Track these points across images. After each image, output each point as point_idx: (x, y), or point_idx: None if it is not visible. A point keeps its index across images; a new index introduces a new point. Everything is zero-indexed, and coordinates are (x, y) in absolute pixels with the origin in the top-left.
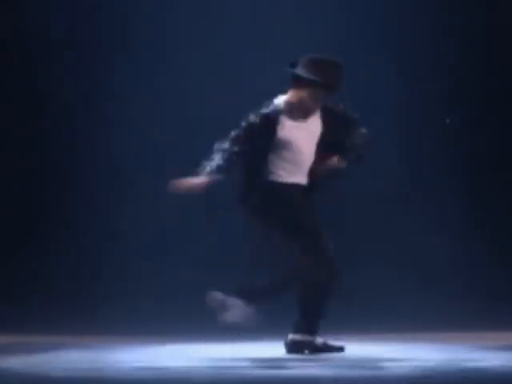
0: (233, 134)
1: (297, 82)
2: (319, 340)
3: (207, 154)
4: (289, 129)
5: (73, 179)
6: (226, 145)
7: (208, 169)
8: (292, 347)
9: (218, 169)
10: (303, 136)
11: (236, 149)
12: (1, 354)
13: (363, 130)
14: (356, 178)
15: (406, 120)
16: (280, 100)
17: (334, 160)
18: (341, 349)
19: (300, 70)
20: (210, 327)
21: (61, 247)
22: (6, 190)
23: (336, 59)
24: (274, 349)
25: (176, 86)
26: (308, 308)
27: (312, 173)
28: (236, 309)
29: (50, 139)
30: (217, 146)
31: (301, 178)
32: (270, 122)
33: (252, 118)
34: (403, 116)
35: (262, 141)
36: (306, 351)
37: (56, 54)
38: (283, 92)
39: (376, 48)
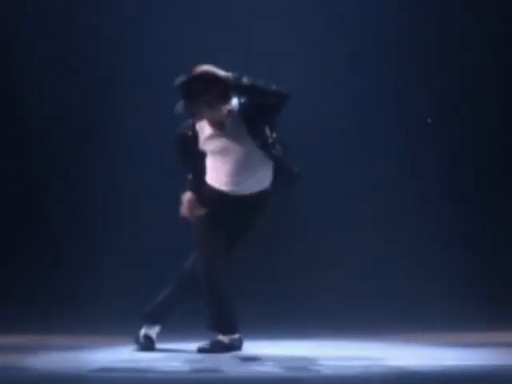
0: None
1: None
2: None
3: None
4: None
5: (72, 179)
6: None
7: None
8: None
9: None
10: None
11: None
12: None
13: None
14: (350, 184)
15: (403, 120)
16: None
17: None
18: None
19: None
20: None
21: (60, 247)
22: (6, 190)
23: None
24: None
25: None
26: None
27: None
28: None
29: (50, 138)
30: None
31: None
32: None
33: None
34: (403, 115)
35: None
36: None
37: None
38: None
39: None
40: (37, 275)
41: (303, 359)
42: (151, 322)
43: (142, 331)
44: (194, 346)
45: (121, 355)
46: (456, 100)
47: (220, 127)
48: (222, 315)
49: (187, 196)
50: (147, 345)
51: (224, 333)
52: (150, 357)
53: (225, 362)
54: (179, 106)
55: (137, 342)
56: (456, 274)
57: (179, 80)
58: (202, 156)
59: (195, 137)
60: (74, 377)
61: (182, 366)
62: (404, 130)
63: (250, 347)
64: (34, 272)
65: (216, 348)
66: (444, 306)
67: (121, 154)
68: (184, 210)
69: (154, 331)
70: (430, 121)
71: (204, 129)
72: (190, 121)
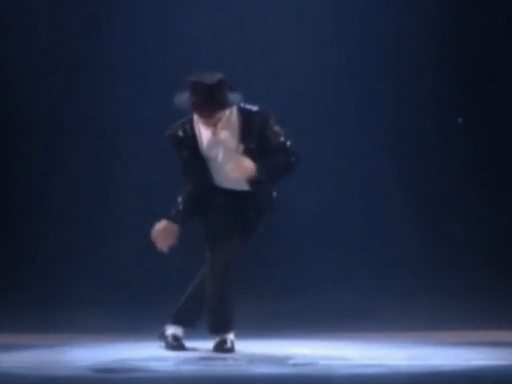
0: None
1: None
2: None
3: None
4: None
5: (73, 174)
6: None
7: None
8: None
9: None
10: None
11: None
12: None
13: None
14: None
15: (405, 119)
16: None
17: None
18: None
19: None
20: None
21: (59, 245)
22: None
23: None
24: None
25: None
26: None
27: None
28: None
29: (51, 135)
30: None
31: None
32: None
33: None
34: (405, 115)
35: None
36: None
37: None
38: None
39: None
40: (36, 274)
41: (312, 358)
42: (175, 322)
43: (170, 330)
44: (196, 345)
45: (121, 355)
46: (463, 100)
47: (213, 130)
48: (231, 313)
49: (166, 224)
50: (177, 345)
51: (231, 331)
52: (150, 357)
53: (230, 362)
54: (181, 100)
55: (165, 342)
56: (455, 275)
57: (208, 80)
58: (203, 158)
59: (194, 136)
60: (74, 377)
61: (183, 366)
62: (404, 129)
63: (258, 346)
64: (33, 271)
65: (233, 347)
66: (443, 307)
67: (121, 153)
68: (157, 238)
69: (179, 331)
70: (460, 120)
71: (202, 130)
72: (182, 121)
